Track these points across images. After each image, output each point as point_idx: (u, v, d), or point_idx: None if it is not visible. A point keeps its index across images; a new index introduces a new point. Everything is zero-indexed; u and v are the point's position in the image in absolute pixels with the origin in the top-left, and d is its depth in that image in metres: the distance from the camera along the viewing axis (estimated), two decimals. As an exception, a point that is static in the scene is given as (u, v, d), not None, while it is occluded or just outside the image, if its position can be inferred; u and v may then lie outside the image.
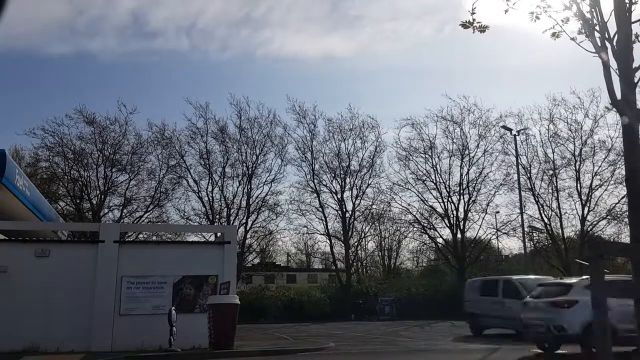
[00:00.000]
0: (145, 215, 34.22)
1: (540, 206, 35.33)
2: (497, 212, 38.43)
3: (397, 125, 38.58)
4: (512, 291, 16.23)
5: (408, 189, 38.21)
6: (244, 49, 71.54)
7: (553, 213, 35.31)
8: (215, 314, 11.65)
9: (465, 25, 6.19)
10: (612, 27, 5.52)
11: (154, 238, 27.55)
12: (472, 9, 6.13)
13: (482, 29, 6.24)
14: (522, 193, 30.64)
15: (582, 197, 34.21)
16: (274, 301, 34.28)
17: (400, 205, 38.73)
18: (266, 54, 71.04)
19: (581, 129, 34.45)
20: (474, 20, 6.20)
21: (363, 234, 40.89)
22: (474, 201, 37.53)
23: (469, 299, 19.13)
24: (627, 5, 5.49)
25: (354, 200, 38.15)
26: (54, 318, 12.02)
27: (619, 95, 5.33)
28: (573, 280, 12.57)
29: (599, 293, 4.20)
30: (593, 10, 5.60)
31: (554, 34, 6.09)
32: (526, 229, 32.49)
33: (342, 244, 39.19)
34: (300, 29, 70.44)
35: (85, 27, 68.12)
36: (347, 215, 38.00)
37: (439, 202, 37.90)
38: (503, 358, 11.46)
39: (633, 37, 5.52)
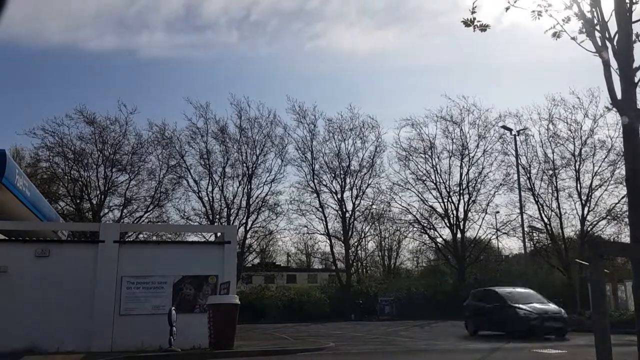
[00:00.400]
0: (145, 215, 34.26)
1: (540, 206, 35.35)
2: (497, 212, 38.53)
3: (397, 125, 38.69)
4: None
5: (408, 189, 38.31)
6: (293, 42, 70.53)
7: (553, 213, 35.36)
8: (215, 314, 11.64)
9: (466, 23, 6.18)
10: (613, 27, 5.52)
11: (154, 238, 27.56)
12: (473, 8, 6.12)
13: (483, 27, 6.22)
14: (522, 193, 30.68)
15: (582, 197, 34.21)
16: (274, 301, 34.31)
17: (400, 205, 38.82)
18: (315, 48, 70.20)
19: (581, 129, 34.48)
20: (474, 19, 6.19)
21: (363, 234, 41.00)
22: (473, 201, 37.60)
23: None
24: (628, 5, 5.49)
25: (354, 200, 38.25)
26: (54, 318, 12.00)
27: (619, 95, 5.33)
28: None
29: (599, 293, 4.20)
30: (594, 9, 5.59)
31: (554, 34, 6.08)
32: (526, 229, 32.53)
33: (342, 244, 39.24)
34: (354, 22, 69.27)
35: (134, 20, 68.06)
36: (347, 215, 38.05)
37: (439, 202, 38.00)
38: (503, 358, 11.46)
39: (634, 37, 5.51)
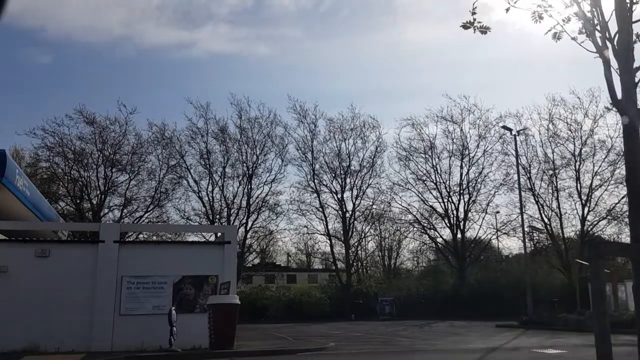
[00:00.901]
0: (146, 216, 34.27)
1: (540, 206, 35.37)
2: (497, 212, 38.53)
3: (398, 125, 38.72)
4: None
5: (408, 189, 38.33)
6: (360, 35, 68.40)
7: (553, 213, 35.38)
8: (215, 314, 11.64)
9: (466, 25, 6.15)
10: (613, 27, 5.52)
11: (154, 238, 27.56)
12: (473, 9, 6.10)
13: (483, 29, 6.18)
14: (522, 193, 30.65)
15: (582, 197, 34.22)
16: (274, 301, 34.31)
17: (401, 205, 38.83)
18: (381, 40, 68.73)
19: (581, 129, 34.52)
20: (474, 20, 6.16)
21: (363, 234, 40.99)
22: (474, 201, 37.62)
23: None
24: (628, 4, 5.49)
25: (354, 200, 38.25)
26: (54, 318, 12.01)
27: (619, 95, 5.32)
28: None
29: (599, 293, 4.20)
30: (594, 9, 5.58)
31: (555, 35, 6.07)
32: (526, 229, 32.52)
33: (342, 244, 39.23)
34: (428, 13, 67.49)
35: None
36: (347, 215, 38.04)
37: (439, 202, 38.02)
38: (503, 358, 11.46)
39: (634, 37, 5.51)
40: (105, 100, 66.33)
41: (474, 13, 6.12)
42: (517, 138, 30.57)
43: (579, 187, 34.46)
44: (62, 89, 62.90)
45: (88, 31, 60.62)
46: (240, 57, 68.55)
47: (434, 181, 37.84)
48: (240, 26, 69.48)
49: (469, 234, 38.39)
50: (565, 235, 35.46)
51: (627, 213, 5.69)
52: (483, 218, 37.90)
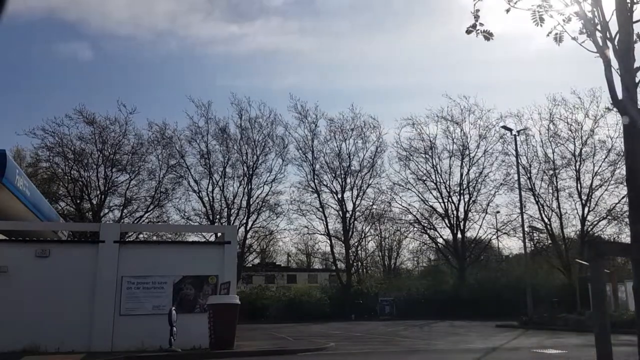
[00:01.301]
0: (146, 216, 34.26)
1: (540, 206, 35.36)
2: (498, 212, 38.52)
3: (398, 125, 38.73)
4: None
5: (408, 189, 38.33)
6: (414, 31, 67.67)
7: (553, 213, 35.38)
8: (215, 314, 11.64)
9: (468, 30, 6.07)
10: (614, 27, 5.51)
11: (154, 238, 27.56)
12: (475, 12, 6.01)
13: (487, 35, 6.08)
14: (522, 193, 30.63)
15: (583, 197, 34.22)
16: (274, 301, 34.30)
17: (401, 205, 38.83)
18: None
19: (581, 129, 34.53)
20: (477, 24, 6.07)
21: (363, 234, 40.97)
22: (474, 201, 37.62)
23: None
24: (629, 4, 5.48)
25: (354, 201, 38.24)
26: (54, 318, 12.00)
27: (620, 95, 5.32)
28: None
29: (599, 293, 4.20)
30: (594, 9, 5.58)
31: (557, 38, 6.05)
32: (526, 229, 32.52)
33: (343, 244, 39.22)
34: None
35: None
36: (348, 215, 38.03)
37: (439, 202, 38.02)
38: (503, 358, 11.46)
39: (634, 37, 5.50)
40: (105, 100, 66.30)
41: (476, 17, 6.04)
42: (518, 138, 30.56)
43: (579, 187, 34.49)
44: (61, 89, 62.90)
45: (129, 26, 60.32)
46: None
47: (434, 181, 37.89)
48: (289, 19, 68.90)
49: (469, 234, 38.46)
50: (566, 235, 35.48)
51: (627, 213, 5.69)
52: (483, 218, 37.97)
